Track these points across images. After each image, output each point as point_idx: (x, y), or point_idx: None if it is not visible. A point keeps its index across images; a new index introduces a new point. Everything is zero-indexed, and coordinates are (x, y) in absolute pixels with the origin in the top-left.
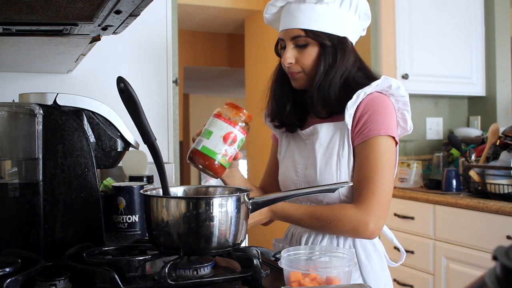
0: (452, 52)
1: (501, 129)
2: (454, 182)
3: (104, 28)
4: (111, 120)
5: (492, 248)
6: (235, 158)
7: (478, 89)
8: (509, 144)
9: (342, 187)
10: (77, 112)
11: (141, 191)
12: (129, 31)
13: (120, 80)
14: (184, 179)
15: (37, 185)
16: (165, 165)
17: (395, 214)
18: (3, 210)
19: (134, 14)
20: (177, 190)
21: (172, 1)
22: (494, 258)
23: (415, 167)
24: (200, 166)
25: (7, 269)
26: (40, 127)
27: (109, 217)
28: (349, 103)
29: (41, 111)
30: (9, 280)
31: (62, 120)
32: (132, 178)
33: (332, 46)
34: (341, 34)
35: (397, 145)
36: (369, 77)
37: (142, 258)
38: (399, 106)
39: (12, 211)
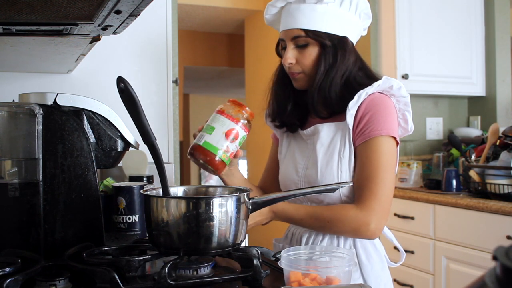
0: (452, 52)
1: (501, 129)
2: (454, 182)
3: (104, 28)
4: (111, 120)
5: (492, 248)
6: (235, 156)
7: (478, 89)
8: (509, 144)
9: (342, 187)
10: (77, 112)
11: (141, 191)
12: (129, 31)
13: (120, 80)
14: (184, 179)
15: (37, 185)
16: (165, 165)
17: (395, 214)
18: (3, 210)
19: (134, 14)
20: (177, 190)
21: (172, 1)
22: (494, 258)
23: (415, 167)
24: (201, 162)
25: (7, 269)
26: (40, 127)
27: (109, 217)
28: (351, 103)
29: (41, 111)
30: (9, 280)
31: (62, 120)
32: (132, 178)
33: (333, 46)
34: (342, 34)
35: (398, 146)
36: (370, 77)
37: (142, 258)
38: (400, 106)
39: (12, 211)
